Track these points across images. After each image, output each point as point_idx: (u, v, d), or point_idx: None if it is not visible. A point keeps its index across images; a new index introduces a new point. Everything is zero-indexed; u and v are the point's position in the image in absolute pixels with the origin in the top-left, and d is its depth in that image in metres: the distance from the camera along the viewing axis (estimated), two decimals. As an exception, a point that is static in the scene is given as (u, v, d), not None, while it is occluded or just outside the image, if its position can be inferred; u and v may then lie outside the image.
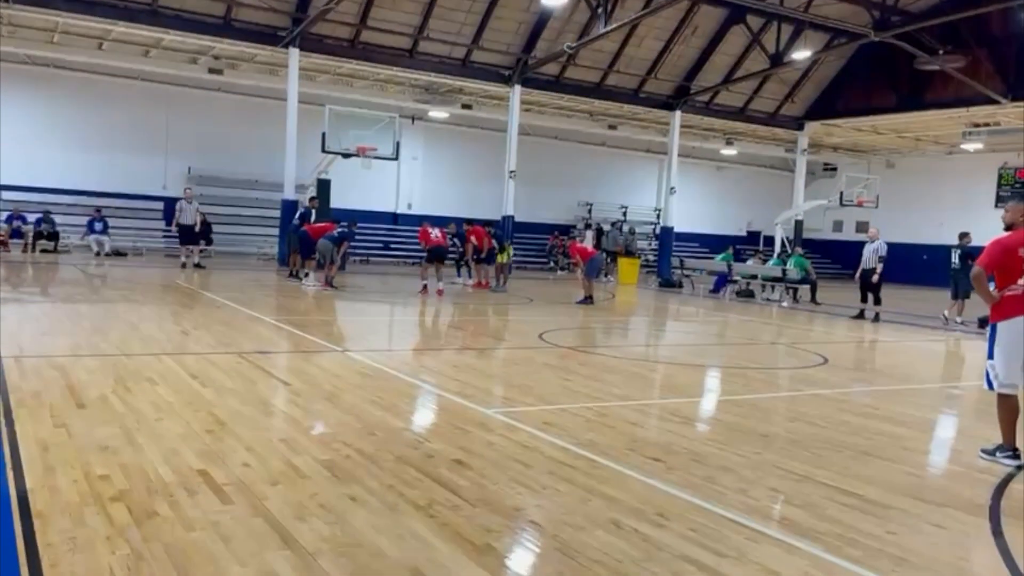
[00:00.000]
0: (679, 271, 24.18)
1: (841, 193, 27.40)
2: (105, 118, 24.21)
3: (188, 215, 19.59)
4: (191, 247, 19.94)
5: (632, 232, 28.69)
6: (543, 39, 23.98)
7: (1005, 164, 30.93)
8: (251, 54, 22.84)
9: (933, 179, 32.99)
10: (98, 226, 22.19)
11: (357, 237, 20.54)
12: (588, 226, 30.12)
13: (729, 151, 33.50)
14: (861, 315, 16.50)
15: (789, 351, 11.90)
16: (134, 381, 6.65)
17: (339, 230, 16.73)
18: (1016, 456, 5.56)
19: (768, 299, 20.55)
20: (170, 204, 24.12)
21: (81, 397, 5.98)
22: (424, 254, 17.42)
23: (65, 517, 3.66)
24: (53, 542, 3.39)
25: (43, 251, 21.45)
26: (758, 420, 6.71)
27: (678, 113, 27.71)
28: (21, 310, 10.84)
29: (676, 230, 28.79)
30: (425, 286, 16.69)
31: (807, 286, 20.01)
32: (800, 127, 30.61)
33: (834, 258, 33.62)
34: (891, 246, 16.70)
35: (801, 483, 4.91)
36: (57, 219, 22.31)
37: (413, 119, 28.32)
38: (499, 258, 19.25)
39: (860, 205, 27.79)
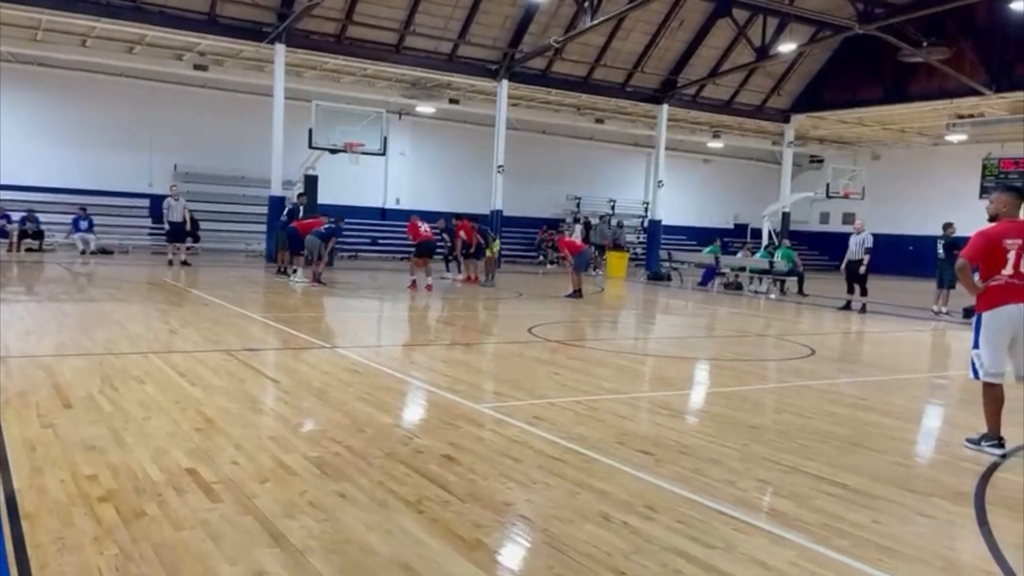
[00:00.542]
0: (667, 264, 24.25)
1: (827, 185, 27.56)
2: (90, 115, 24.03)
3: (176, 212, 19.48)
4: (178, 244, 19.84)
5: (620, 226, 28.71)
6: (530, 33, 23.96)
7: (989, 155, 31.14)
8: (236, 50, 22.70)
9: (918, 170, 33.19)
10: (83, 224, 22.05)
11: (345, 233, 20.48)
12: (576, 220, 30.14)
13: (716, 144, 33.59)
14: (848, 306, 16.60)
15: (777, 343, 11.95)
16: (121, 380, 6.62)
17: (327, 226, 16.68)
18: (1001, 445, 5.62)
19: (756, 291, 20.64)
20: (156, 201, 23.99)
21: (68, 397, 5.95)
22: (412, 249, 17.41)
23: (53, 518, 3.65)
24: (41, 543, 3.37)
25: (28, 250, 21.29)
26: (746, 412, 6.75)
27: (665, 107, 27.77)
28: (6, 309, 10.75)
29: (664, 223, 28.90)
30: (414, 281, 16.68)
31: (794, 278, 20.11)
32: (786, 120, 30.73)
33: (821, 250, 33.78)
34: (877, 237, 16.80)
35: (789, 474, 4.94)
36: (42, 217, 22.14)
37: (400, 114, 28.25)
38: (487, 253, 19.25)
39: (846, 197, 27.93)
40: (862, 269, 16.26)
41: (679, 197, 32.92)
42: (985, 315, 5.65)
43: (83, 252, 21.53)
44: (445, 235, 19.87)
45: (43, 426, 5.14)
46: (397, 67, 24.04)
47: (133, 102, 24.50)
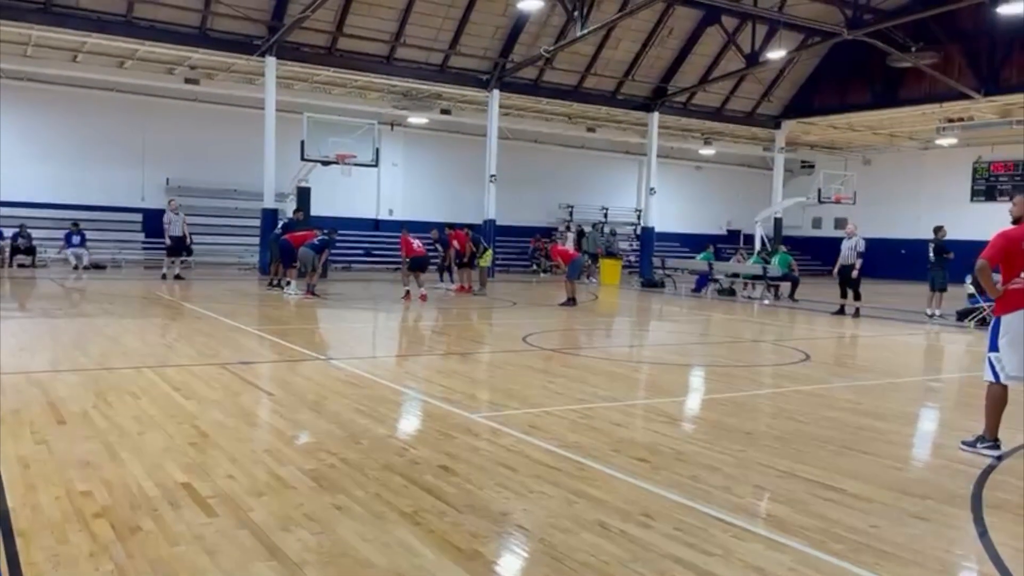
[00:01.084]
0: (661, 271, 24.29)
1: (819, 190, 27.66)
2: (81, 130, 23.97)
3: (177, 226, 19.46)
4: (174, 259, 19.80)
5: (613, 233, 28.72)
6: (520, 43, 24.04)
7: (979, 158, 31.31)
8: (228, 63, 22.71)
9: (909, 174, 33.33)
10: (76, 239, 21.98)
11: (338, 244, 20.47)
12: (569, 228, 30.18)
13: (707, 151, 33.70)
14: (841, 311, 16.63)
15: (771, 348, 11.98)
16: (115, 395, 6.59)
17: (320, 238, 16.66)
18: (997, 447, 5.62)
19: (750, 297, 20.69)
20: (148, 215, 23.98)
21: (62, 413, 5.93)
22: (406, 261, 17.39)
23: (48, 535, 3.63)
24: (36, 560, 3.36)
25: (20, 266, 21.22)
26: (742, 418, 6.75)
27: (656, 114, 27.87)
28: (-1, 326, 10.72)
29: (657, 230, 28.96)
30: (408, 292, 16.67)
31: (788, 283, 20.17)
32: (777, 125, 30.85)
33: (814, 255, 33.85)
34: (869, 241, 16.85)
35: (785, 479, 4.95)
36: (34, 233, 22.06)
37: (392, 125, 28.26)
38: (480, 262, 19.26)
39: (838, 202, 28.04)
40: (854, 273, 16.31)
41: (671, 204, 33.00)
42: (1004, 319, 5.59)
43: (76, 267, 21.45)
44: (438, 246, 19.86)
45: (37, 442, 5.11)
46: (388, 78, 24.08)
47: (124, 116, 24.46)
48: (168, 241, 19.56)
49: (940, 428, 7.19)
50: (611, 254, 26.69)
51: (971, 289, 15.09)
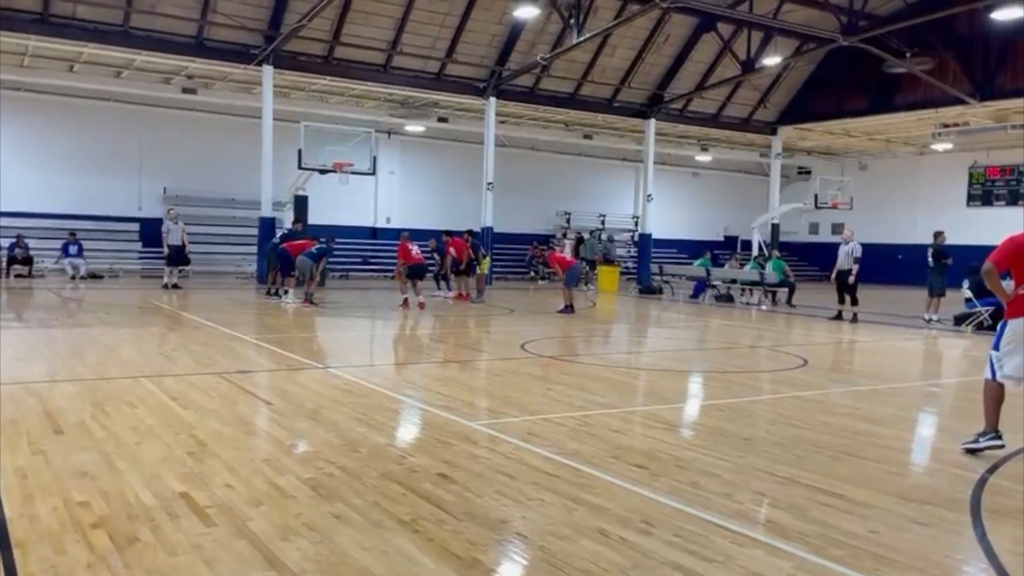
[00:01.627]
0: (658, 277, 24.30)
1: (816, 196, 27.73)
2: (78, 140, 23.98)
3: (175, 235, 19.47)
4: (172, 268, 19.79)
5: (611, 240, 28.73)
6: (516, 51, 24.12)
7: (975, 163, 31.40)
8: (225, 73, 22.75)
9: (905, 180, 33.42)
10: (73, 249, 21.96)
11: (336, 252, 20.47)
12: (567, 235, 30.20)
13: (704, 157, 33.77)
14: (839, 316, 16.65)
15: (769, 354, 11.97)
16: (113, 405, 6.58)
17: (317, 247, 16.66)
18: (999, 437, 5.68)
19: (747, 303, 20.70)
20: (146, 225, 23.99)
21: (59, 423, 5.91)
22: (403, 268, 17.40)
23: (45, 545, 3.62)
24: (33, 571, 3.34)
25: (17, 276, 21.19)
26: (740, 424, 6.75)
27: (652, 121, 27.94)
28: (-4, 336, 10.70)
29: (654, 237, 29.00)
30: (406, 300, 16.66)
31: (785, 289, 20.17)
32: (773, 132, 30.94)
33: (811, 260, 33.90)
34: (866, 247, 16.89)
35: (784, 485, 4.94)
36: (31, 243, 22.04)
37: (389, 133, 28.31)
38: (479, 269, 19.26)
39: (835, 207, 28.10)
40: (851, 279, 16.33)
41: (668, 210, 33.04)
42: (1012, 323, 5.65)
43: (73, 277, 21.43)
44: (436, 255, 19.87)
45: (34, 453, 5.10)
46: (385, 87, 24.13)
47: (122, 126, 24.48)
48: (166, 250, 19.56)
49: (939, 433, 7.19)
50: (609, 261, 26.70)
51: (968, 294, 15.12)
